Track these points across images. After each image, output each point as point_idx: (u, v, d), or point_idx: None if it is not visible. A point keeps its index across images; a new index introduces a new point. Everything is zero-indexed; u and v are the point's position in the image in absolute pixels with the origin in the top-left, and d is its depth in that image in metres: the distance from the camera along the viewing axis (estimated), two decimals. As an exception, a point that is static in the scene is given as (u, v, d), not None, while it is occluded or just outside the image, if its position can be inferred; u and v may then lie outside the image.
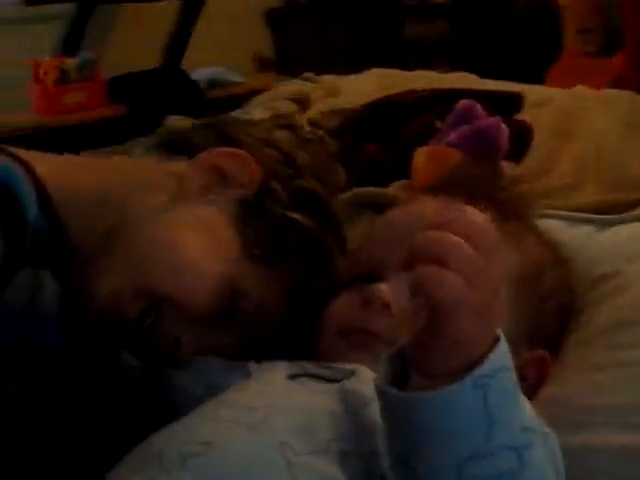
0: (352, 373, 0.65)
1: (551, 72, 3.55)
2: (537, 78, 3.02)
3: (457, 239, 0.49)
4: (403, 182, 1.39)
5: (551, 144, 1.63)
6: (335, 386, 0.63)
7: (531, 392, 0.70)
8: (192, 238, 0.75)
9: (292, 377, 0.67)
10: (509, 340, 0.68)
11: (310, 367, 0.68)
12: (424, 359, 0.51)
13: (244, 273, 0.75)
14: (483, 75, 2.38)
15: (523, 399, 0.55)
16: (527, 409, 0.55)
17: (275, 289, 0.76)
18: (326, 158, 0.90)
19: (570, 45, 3.71)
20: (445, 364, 0.50)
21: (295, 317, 0.76)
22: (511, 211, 0.79)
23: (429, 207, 0.79)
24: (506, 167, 1.45)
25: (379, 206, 1.20)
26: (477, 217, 0.52)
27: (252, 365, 0.74)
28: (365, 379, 0.63)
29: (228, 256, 0.76)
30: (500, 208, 0.77)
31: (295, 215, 0.77)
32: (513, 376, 0.53)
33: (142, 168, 0.85)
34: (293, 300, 0.76)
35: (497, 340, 0.53)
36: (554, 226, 0.86)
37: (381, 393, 0.53)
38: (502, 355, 0.52)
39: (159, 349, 0.75)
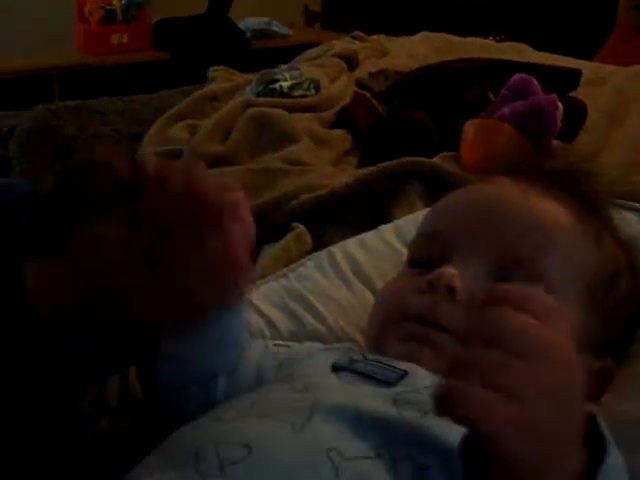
0: (405, 374, 0.58)
1: (603, 48, 3.46)
2: (588, 53, 2.93)
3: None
4: (450, 154, 1.36)
5: (603, 126, 1.58)
6: (388, 391, 0.56)
7: (590, 402, 0.65)
8: None
9: (336, 369, 0.61)
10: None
11: (358, 359, 0.61)
12: None
13: None
14: (533, 46, 2.32)
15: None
16: None
17: None
18: None
19: (624, 21, 3.61)
20: None
21: None
22: (592, 204, 0.71)
23: (503, 190, 0.70)
24: (558, 147, 1.42)
25: (427, 177, 1.17)
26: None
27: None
28: (421, 383, 0.57)
29: None
30: (582, 201, 0.70)
31: None
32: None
33: None
34: None
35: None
36: (621, 218, 0.79)
37: None
38: (615, 456, 0.45)
39: None
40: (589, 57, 2.73)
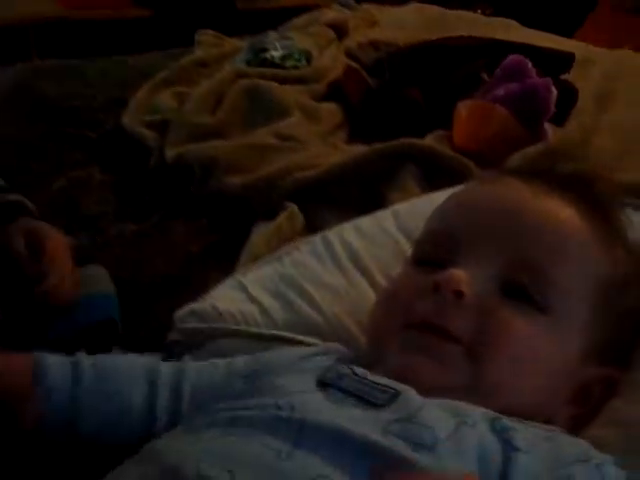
0: (396, 395, 0.55)
1: (584, 26, 3.44)
2: (569, 30, 2.91)
3: None
4: (442, 133, 1.34)
5: (592, 111, 1.57)
6: (377, 415, 0.54)
7: (594, 410, 0.65)
8: None
9: (322, 385, 0.58)
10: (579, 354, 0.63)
11: (346, 374, 0.59)
12: None
13: None
14: (519, 20, 2.30)
15: None
16: None
17: None
18: None
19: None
20: None
21: None
22: (605, 209, 0.69)
23: (514, 191, 0.68)
24: (549, 129, 1.41)
25: (423, 159, 1.16)
26: None
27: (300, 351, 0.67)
28: (412, 406, 0.55)
29: None
30: (595, 205, 0.68)
31: None
32: None
33: None
34: None
35: None
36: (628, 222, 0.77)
37: None
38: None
39: None
40: (570, 34, 2.72)
